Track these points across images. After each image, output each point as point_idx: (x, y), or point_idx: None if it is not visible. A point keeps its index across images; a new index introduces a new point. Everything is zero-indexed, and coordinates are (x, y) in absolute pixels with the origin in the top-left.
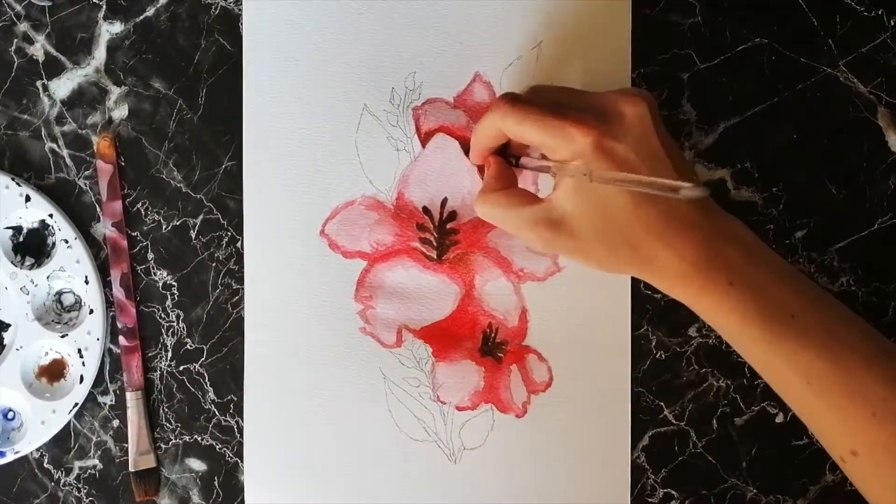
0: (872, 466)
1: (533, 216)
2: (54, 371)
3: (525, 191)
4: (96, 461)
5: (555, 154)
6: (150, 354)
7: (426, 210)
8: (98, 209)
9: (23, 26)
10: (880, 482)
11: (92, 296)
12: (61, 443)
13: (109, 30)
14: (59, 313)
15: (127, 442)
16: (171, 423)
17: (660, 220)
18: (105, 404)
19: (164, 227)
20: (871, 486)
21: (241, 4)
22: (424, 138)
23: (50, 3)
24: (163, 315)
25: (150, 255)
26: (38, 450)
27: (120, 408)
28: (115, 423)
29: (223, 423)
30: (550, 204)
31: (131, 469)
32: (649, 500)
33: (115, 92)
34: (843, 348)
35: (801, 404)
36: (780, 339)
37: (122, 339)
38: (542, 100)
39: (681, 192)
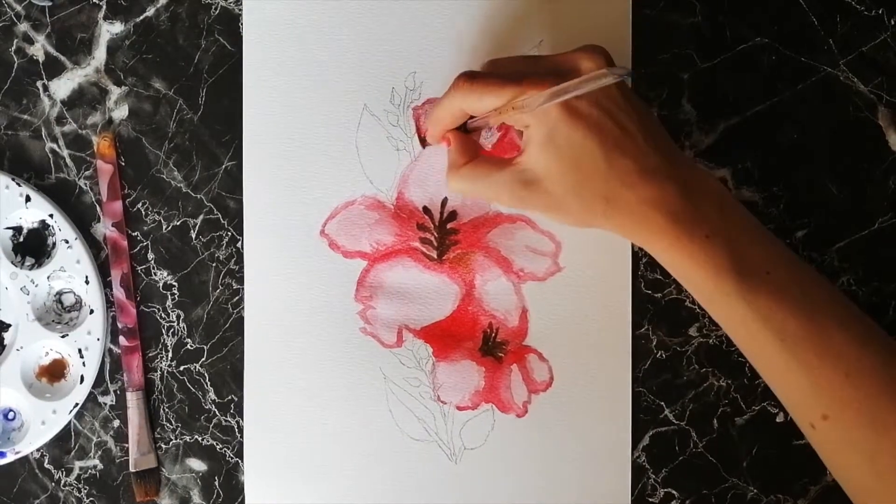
0: (843, 430)
1: (505, 179)
2: (55, 371)
3: (492, 157)
4: (97, 461)
5: (521, 122)
6: (150, 354)
7: (426, 210)
8: (98, 209)
9: (23, 26)
10: (852, 447)
11: (92, 296)
12: (62, 443)
13: (109, 30)
14: (60, 313)
15: (127, 442)
16: (171, 424)
17: (633, 172)
18: (105, 404)
19: (164, 227)
20: (841, 453)
21: (241, 4)
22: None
23: (50, 3)
24: (163, 315)
25: (151, 255)
26: (38, 450)
27: (120, 408)
28: (116, 423)
29: (223, 423)
30: (521, 165)
31: (132, 469)
32: (650, 499)
33: (115, 92)
34: (817, 308)
35: (773, 365)
36: (756, 295)
37: (122, 339)
38: (501, 70)
39: (607, 78)
